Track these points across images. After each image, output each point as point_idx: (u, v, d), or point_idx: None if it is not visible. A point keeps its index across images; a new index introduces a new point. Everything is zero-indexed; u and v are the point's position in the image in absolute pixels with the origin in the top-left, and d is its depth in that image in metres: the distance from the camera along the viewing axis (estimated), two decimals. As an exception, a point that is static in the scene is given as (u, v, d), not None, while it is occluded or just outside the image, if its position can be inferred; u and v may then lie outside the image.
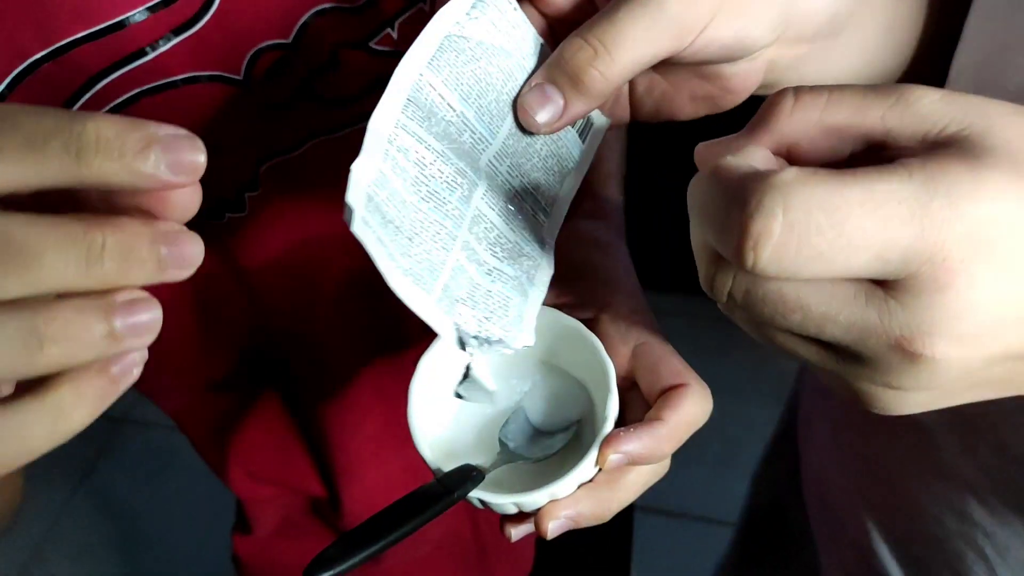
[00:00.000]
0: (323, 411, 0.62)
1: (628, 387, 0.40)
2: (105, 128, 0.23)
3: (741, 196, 0.24)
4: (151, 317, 0.24)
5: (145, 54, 0.40)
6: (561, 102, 0.34)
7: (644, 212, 0.90)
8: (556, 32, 0.38)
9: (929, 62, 0.48)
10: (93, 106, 0.40)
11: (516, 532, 0.39)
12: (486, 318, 0.36)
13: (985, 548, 0.47)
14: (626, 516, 0.89)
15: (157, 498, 1.71)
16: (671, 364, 0.38)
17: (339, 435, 0.63)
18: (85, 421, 0.25)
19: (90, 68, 0.40)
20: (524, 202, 0.38)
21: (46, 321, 0.22)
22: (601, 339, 0.40)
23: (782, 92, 0.29)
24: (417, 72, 0.33)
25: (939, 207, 0.23)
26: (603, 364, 0.38)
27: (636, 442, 0.35)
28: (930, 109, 0.26)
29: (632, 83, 0.41)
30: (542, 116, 0.35)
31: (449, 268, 0.34)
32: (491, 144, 0.36)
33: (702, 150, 0.31)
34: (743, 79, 0.39)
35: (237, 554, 0.74)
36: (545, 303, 0.40)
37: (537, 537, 0.77)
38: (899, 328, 0.24)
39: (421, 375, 0.39)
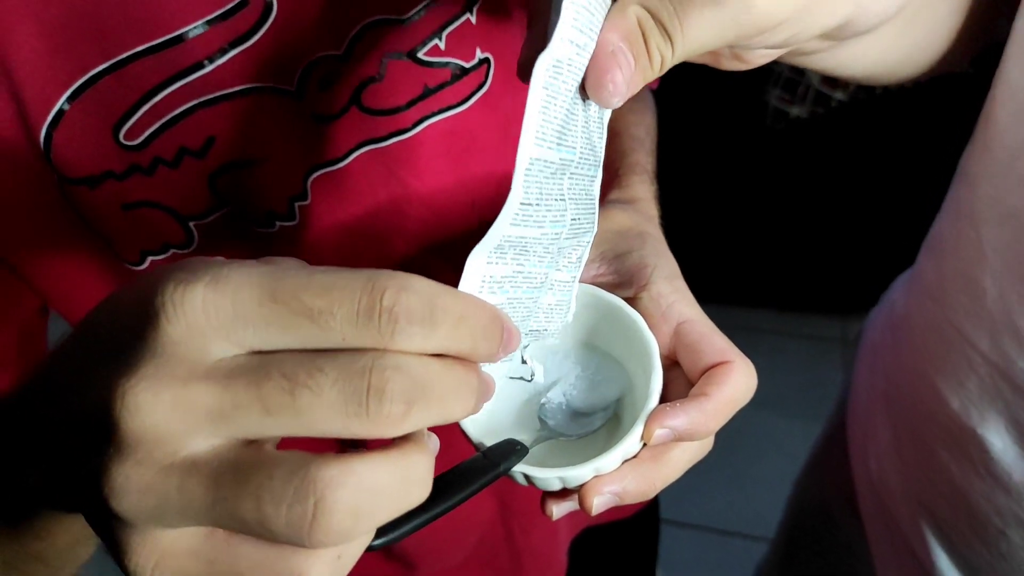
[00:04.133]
0: None
1: (669, 366, 0.39)
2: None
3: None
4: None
5: (202, 67, 0.41)
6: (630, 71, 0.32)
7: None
8: None
9: (962, 56, 0.48)
10: (150, 119, 0.41)
11: (558, 509, 0.39)
12: (529, 317, 0.36)
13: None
14: (652, 527, 0.89)
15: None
16: (714, 342, 0.38)
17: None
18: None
19: (148, 82, 0.40)
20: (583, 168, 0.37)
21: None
22: (643, 316, 0.39)
23: None
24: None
25: None
26: (646, 340, 0.38)
27: (683, 417, 0.35)
28: None
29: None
30: (618, 78, 0.32)
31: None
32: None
33: None
34: (763, 57, 0.39)
35: None
36: (583, 281, 0.40)
37: (570, 546, 0.77)
38: None
39: None
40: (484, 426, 0.38)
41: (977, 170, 0.52)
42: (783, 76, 1.68)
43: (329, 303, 0.23)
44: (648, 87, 0.65)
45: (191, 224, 0.45)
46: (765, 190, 1.67)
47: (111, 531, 0.24)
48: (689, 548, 1.57)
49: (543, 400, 0.41)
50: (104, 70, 0.39)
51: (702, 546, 1.61)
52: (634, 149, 0.55)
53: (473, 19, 0.48)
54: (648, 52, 0.32)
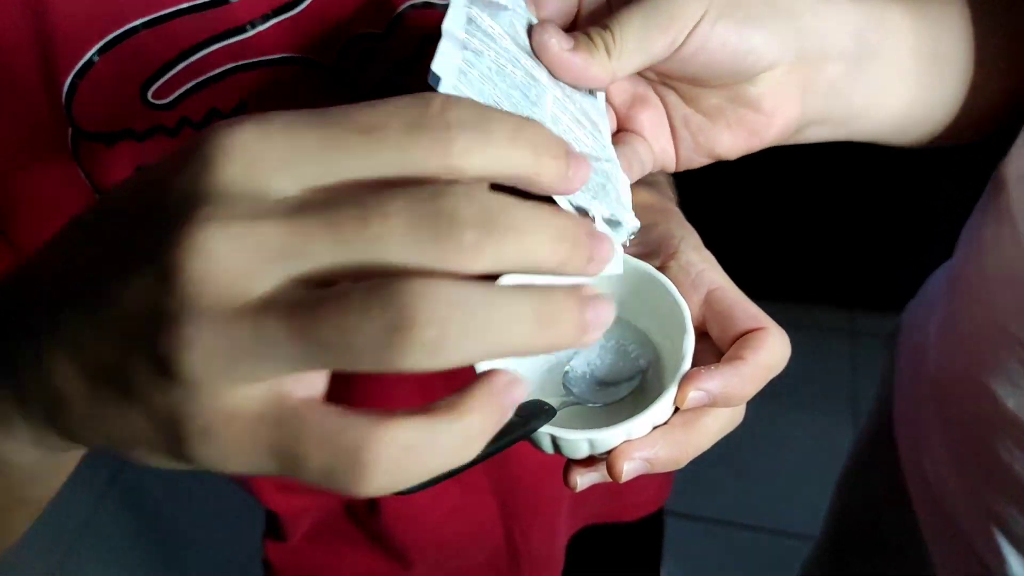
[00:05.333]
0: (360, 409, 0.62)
1: (697, 338, 0.38)
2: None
3: None
4: (610, 317, 0.23)
5: (244, 31, 0.41)
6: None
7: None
8: None
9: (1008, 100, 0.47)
10: (185, 77, 0.41)
11: (583, 480, 0.37)
12: (593, 197, 0.34)
13: None
14: (656, 522, 0.88)
15: (188, 499, 1.73)
16: (747, 309, 0.37)
17: None
18: (471, 456, 0.23)
19: (187, 40, 0.40)
20: (583, 127, 0.38)
21: (544, 301, 0.21)
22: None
23: None
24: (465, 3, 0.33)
25: None
26: (677, 304, 0.37)
27: (718, 379, 0.34)
28: None
29: (669, 118, 0.42)
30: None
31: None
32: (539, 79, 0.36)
33: None
34: (774, 101, 0.39)
35: (268, 560, 0.74)
36: None
37: (568, 544, 0.77)
38: None
39: None
40: None
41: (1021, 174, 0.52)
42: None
43: (381, 117, 0.22)
44: None
45: None
46: (771, 181, 1.66)
47: (162, 405, 0.22)
48: (693, 540, 1.57)
49: (567, 368, 0.40)
50: (143, 24, 0.39)
51: (707, 537, 1.60)
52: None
53: None
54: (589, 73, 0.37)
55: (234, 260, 0.21)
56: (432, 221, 0.21)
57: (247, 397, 0.21)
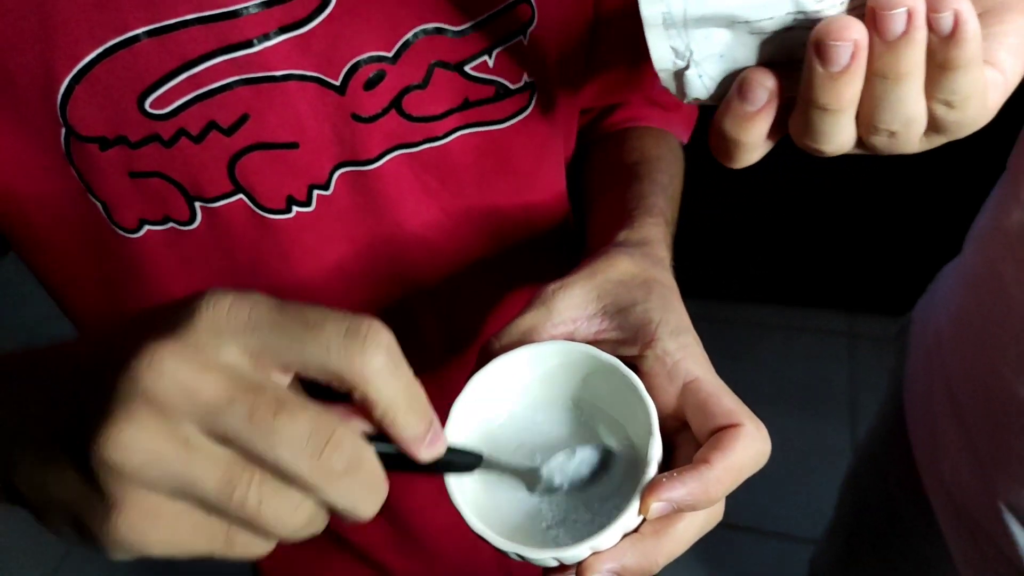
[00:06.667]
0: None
1: (679, 427, 0.38)
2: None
3: None
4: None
5: (251, 45, 0.41)
6: None
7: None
8: None
9: None
10: (187, 88, 0.41)
11: None
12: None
13: None
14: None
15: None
16: (723, 402, 0.36)
17: None
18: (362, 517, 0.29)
19: (191, 51, 0.40)
20: None
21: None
22: (647, 376, 0.38)
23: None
24: None
25: None
26: (644, 405, 0.36)
27: (680, 488, 0.33)
28: None
29: None
30: None
31: None
32: None
33: None
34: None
35: (258, 566, 0.74)
36: (587, 340, 0.39)
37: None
38: None
39: (470, 391, 0.38)
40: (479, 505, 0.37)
41: None
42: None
43: (323, 319, 0.28)
44: (679, 138, 0.64)
45: (197, 204, 0.44)
46: (771, 185, 1.66)
47: (90, 485, 0.27)
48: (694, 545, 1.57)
49: (542, 471, 0.39)
50: (146, 32, 0.39)
51: (705, 540, 1.59)
52: (654, 192, 0.53)
53: (526, 41, 0.48)
54: None
55: (177, 391, 0.26)
56: (318, 447, 0.27)
57: (161, 501, 0.27)
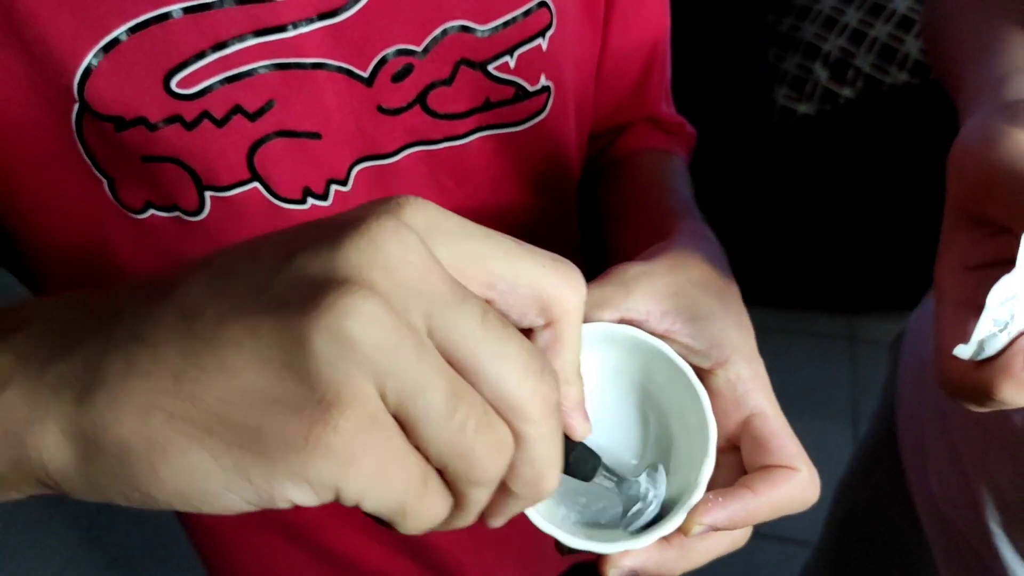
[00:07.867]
0: None
1: (724, 448, 0.38)
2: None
3: None
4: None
5: (284, 31, 0.41)
6: None
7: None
8: None
9: None
10: (218, 68, 0.40)
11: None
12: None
13: None
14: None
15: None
16: (785, 446, 0.36)
17: None
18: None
19: (225, 31, 0.40)
20: None
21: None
22: (714, 395, 0.37)
23: None
24: None
25: None
26: (706, 424, 0.36)
27: (722, 513, 0.34)
28: None
29: None
30: None
31: None
32: None
33: None
34: None
35: None
36: (655, 334, 0.37)
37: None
38: None
39: None
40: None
41: None
42: (790, 74, 1.67)
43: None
44: (683, 162, 0.64)
45: (207, 195, 0.44)
46: (772, 188, 1.66)
47: (298, 378, 0.22)
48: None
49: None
50: (182, 9, 0.38)
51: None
52: (689, 198, 0.55)
53: (544, 46, 0.48)
54: None
55: (377, 336, 0.22)
56: (538, 372, 0.24)
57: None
